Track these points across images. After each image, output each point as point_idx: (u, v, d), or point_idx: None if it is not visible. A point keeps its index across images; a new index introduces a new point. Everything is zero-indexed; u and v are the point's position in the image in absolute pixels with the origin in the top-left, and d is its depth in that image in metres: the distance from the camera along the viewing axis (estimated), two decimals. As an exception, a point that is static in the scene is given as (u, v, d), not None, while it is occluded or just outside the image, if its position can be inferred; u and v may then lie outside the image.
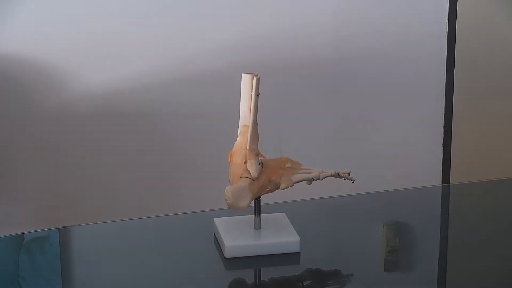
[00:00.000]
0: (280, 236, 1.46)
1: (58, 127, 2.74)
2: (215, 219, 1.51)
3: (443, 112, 3.11)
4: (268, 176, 1.45)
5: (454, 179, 3.15)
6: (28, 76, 2.75)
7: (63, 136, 2.51)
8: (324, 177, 1.49)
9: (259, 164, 1.44)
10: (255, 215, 1.48)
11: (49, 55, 2.73)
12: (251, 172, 1.44)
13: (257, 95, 1.44)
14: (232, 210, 1.45)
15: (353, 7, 2.84)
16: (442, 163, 3.16)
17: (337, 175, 1.50)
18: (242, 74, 1.45)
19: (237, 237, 1.45)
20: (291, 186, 1.47)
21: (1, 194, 2.84)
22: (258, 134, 1.45)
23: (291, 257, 1.44)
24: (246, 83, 1.44)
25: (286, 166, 1.48)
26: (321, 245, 1.53)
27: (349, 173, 1.51)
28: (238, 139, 1.45)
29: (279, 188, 1.47)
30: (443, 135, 3.13)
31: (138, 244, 1.56)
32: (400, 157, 3.10)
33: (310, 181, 1.49)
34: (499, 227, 1.61)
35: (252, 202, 1.46)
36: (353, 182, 1.52)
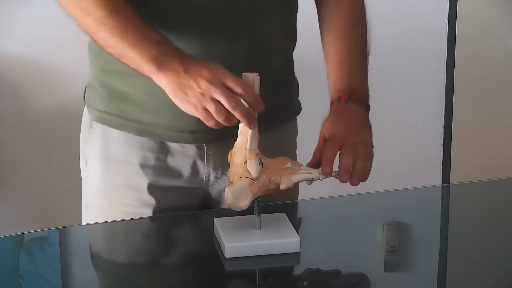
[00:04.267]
0: (280, 236, 1.46)
1: (57, 127, 2.74)
2: (215, 219, 1.51)
3: (443, 112, 3.11)
4: (268, 176, 1.45)
5: (454, 179, 3.15)
6: (26, 76, 2.75)
7: (62, 136, 2.52)
8: (324, 177, 1.49)
9: (259, 164, 1.44)
10: (255, 215, 1.48)
11: (48, 55, 2.73)
12: (251, 172, 1.44)
13: (258, 95, 1.44)
14: (232, 210, 1.45)
15: None
16: (442, 163, 3.16)
17: (337, 176, 1.49)
18: (243, 74, 1.45)
19: (237, 237, 1.45)
20: (291, 186, 1.46)
21: (1, 194, 2.84)
22: (258, 134, 1.45)
23: (291, 257, 1.44)
24: (247, 82, 1.44)
25: (287, 166, 1.47)
26: (321, 245, 1.53)
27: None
28: (238, 139, 1.45)
29: (279, 188, 1.46)
30: (443, 135, 3.14)
31: (138, 244, 1.55)
32: (400, 157, 3.10)
33: (310, 181, 1.49)
34: (499, 227, 1.61)
35: (253, 202, 1.46)
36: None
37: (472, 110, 3.13)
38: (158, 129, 1.60)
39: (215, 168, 1.64)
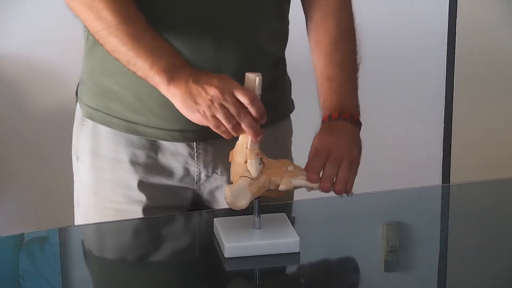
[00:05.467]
0: (280, 236, 1.46)
1: (57, 127, 2.74)
2: (215, 219, 1.51)
3: (443, 112, 3.11)
4: (269, 177, 1.45)
5: (454, 179, 3.15)
6: (26, 76, 2.75)
7: (62, 136, 2.51)
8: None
9: (260, 164, 1.44)
10: (255, 215, 1.48)
11: (48, 55, 2.73)
12: (251, 172, 1.44)
13: (259, 95, 1.44)
14: (232, 210, 1.45)
15: (353, 8, 2.84)
16: (442, 163, 3.16)
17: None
18: (246, 74, 1.45)
19: (237, 237, 1.45)
20: (290, 189, 1.46)
21: (1, 194, 2.84)
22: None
23: (291, 257, 1.44)
24: (249, 82, 1.44)
25: (288, 169, 1.47)
26: (321, 245, 1.53)
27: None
28: (239, 138, 1.46)
29: (279, 190, 1.46)
30: (443, 135, 3.13)
31: (138, 244, 1.56)
32: (400, 157, 3.10)
33: (309, 189, 1.49)
34: (499, 227, 1.61)
35: (252, 202, 1.46)
36: (351, 195, 1.52)
37: (472, 110, 3.13)
38: (146, 127, 1.60)
39: (205, 167, 1.64)
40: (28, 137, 2.78)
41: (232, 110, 1.42)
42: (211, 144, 1.62)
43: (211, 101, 1.42)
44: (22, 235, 1.55)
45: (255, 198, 1.46)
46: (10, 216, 2.83)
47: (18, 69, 2.73)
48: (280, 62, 1.70)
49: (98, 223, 1.62)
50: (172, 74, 1.44)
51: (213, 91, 1.42)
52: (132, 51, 1.46)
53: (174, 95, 1.44)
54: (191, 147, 1.63)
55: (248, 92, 1.43)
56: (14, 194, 2.83)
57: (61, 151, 2.55)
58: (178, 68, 1.45)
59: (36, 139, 2.78)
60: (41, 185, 2.82)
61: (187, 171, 1.64)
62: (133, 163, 1.63)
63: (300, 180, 1.47)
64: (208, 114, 1.43)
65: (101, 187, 1.65)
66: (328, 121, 1.60)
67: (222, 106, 1.42)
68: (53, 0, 2.62)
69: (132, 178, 1.63)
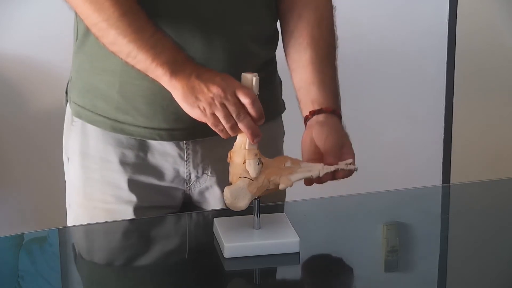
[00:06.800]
0: (280, 236, 1.46)
1: (57, 127, 2.73)
2: (215, 219, 1.51)
3: (443, 112, 3.11)
4: (267, 176, 1.45)
5: (454, 179, 3.15)
6: (26, 76, 2.75)
7: (62, 136, 2.52)
8: (324, 173, 1.48)
9: (258, 164, 1.44)
10: (255, 215, 1.48)
11: (48, 55, 2.73)
12: (249, 172, 1.43)
13: (257, 95, 1.44)
14: (232, 210, 1.45)
15: (353, 7, 2.84)
16: (442, 163, 3.16)
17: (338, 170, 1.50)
18: (242, 74, 1.45)
19: (237, 237, 1.45)
20: (290, 186, 1.46)
21: (1, 194, 2.84)
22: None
23: (291, 257, 1.44)
24: (246, 82, 1.44)
25: (286, 165, 1.47)
26: (321, 245, 1.53)
27: (350, 163, 1.50)
28: (237, 138, 1.45)
29: (278, 189, 1.46)
30: (443, 135, 3.13)
31: (138, 244, 1.55)
32: (400, 157, 3.10)
33: (310, 181, 1.49)
34: (499, 227, 1.61)
35: (252, 202, 1.46)
36: (356, 170, 1.52)
37: (472, 110, 3.13)
38: (132, 126, 1.60)
39: (195, 167, 1.64)
40: (28, 137, 2.78)
41: (232, 110, 1.42)
42: (201, 145, 1.62)
43: (213, 99, 1.42)
44: (22, 235, 1.55)
45: (255, 198, 1.46)
46: (10, 216, 2.83)
47: (18, 69, 2.73)
48: (270, 63, 1.70)
49: (98, 223, 1.62)
50: (174, 67, 1.45)
51: (215, 89, 1.42)
52: (134, 43, 1.45)
53: (176, 88, 1.44)
54: (180, 148, 1.63)
55: (250, 92, 1.43)
56: (14, 194, 2.83)
57: (61, 151, 2.55)
58: (181, 62, 1.45)
59: (36, 139, 2.78)
60: (41, 185, 2.82)
61: (176, 172, 1.64)
62: (122, 163, 1.63)
63: (299, 174, 1.47)
64: (208, 111, 1.43)
65: (91, 188, 1.65)
66: (327, 114, 1.58)
67: (223, 105, 1.42)
68: (53, 0, 2.61)
69: (121, 178, 1.63)
